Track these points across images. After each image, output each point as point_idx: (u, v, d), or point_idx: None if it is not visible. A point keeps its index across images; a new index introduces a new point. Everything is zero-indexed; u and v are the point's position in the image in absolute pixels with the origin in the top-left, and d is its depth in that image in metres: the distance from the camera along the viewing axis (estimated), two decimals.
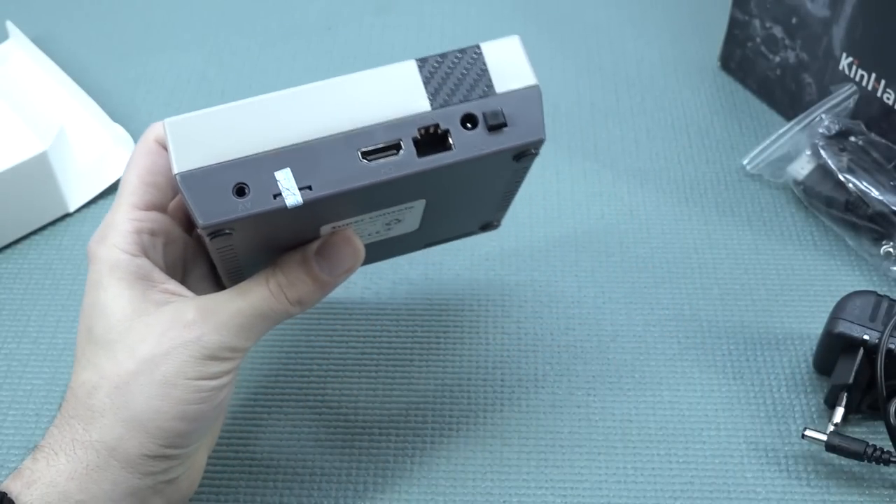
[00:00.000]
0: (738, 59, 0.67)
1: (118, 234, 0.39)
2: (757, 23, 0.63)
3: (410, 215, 0.41)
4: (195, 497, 0.45)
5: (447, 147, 0.35)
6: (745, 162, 0.61)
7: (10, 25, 0.67)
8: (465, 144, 0.35)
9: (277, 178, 0.33)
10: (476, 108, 0.35)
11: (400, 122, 0.35)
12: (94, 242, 0.39)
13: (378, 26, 0.73)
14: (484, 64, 0.36)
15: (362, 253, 0.39)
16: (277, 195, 0.33)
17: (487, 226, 0.48)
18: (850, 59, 0.58)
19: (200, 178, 0.33)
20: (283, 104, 0.34)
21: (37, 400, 0.49)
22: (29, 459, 0.37)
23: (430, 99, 0.35)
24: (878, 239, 0.55)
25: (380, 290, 0.54)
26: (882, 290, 0.54)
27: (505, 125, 0.35)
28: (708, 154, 0.63)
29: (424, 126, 0.35)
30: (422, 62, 0.35)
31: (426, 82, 0.35)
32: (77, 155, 0.60)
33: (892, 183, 0.55)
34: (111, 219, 0.39)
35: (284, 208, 0.33)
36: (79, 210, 0.59)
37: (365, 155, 0.34)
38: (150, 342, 0.37)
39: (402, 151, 0.34)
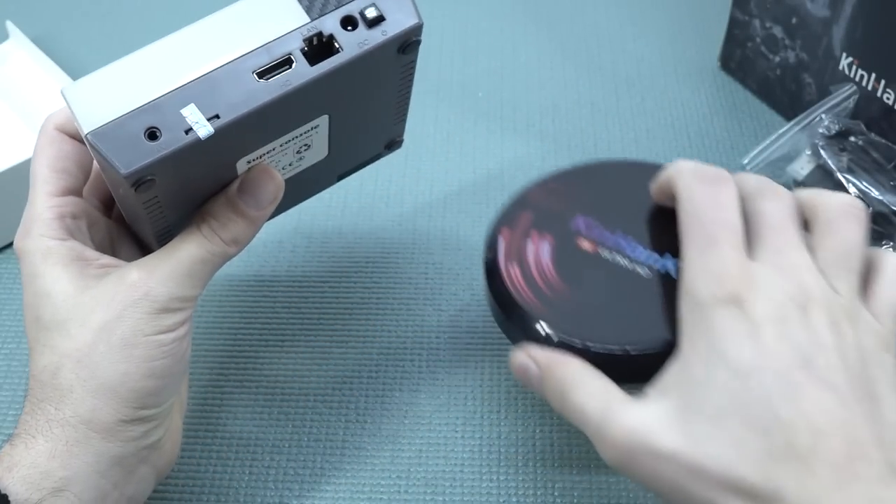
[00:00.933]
0: (738, 59, 0.67)
1: (41, 224, 0.39)
2: (757, 23, 0.63)
3: (318, 138, 0.43)
4: None
5: (336, 51, 0.37)
6: (744, 162, 0.61)
7: (10, 25, 0.67)
8: (351, 43, 0.37)
9: (184, 115, 0.35)
10: (351, 9, 0.37)
11: (284, 38, 0.37)
12: (18, 239, 0.40)
13: None
14: None
15: (281, 181, 0.41)
16: (189, 130, 0.35)
17: (392, 144, 0.50)
18: (850, 59, 0.58)
19: (111, 131, 0.35)
20: (171, 46, 0.36)
21: None
22: (6, 446, 0.37)
23: (306, 11, 0.37)
24: (878, 239, 0.55)
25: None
26: None
27: (382, 18, 0.37)
28: (708, 154, 0.63)
29: (308, 36, 0.37)
30: None
31: None
32: None
33: (892, 183, 0.55)
34: (30, 212, 0.40)
35: (198, 140, 0.35)
36: None
37: (261, 75, 0.36)
38: (100, 310, 0.37)
39: (294, 64, 0.36)
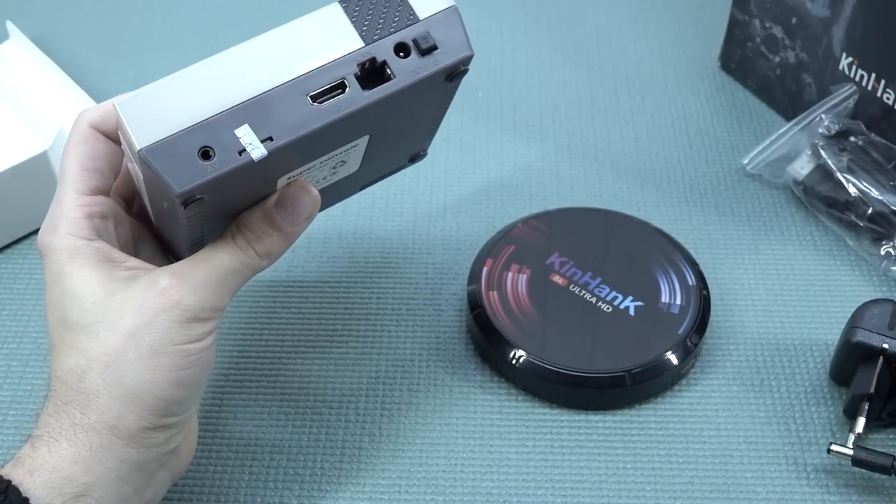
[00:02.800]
0: (738, 59, 0.67)
1: (69, 222, 0.39)
2: (757, 23, 0.63)
3: (354, 155, 0.43)
4: None
5: (388, 77, 0.37)
6: (744, 162, 0.61)
7: (10, 25, 0.67)
8: (404, 71, 0.37)
9: (238, 136, 0.35)
10: (405, 36, 0.37)
11: (338, 62, 0.36)
12: (44, 235, 0.39)
13: None
14: None
15: (318, 198, 0.41)
16: (242, 151, 0.35)
17: (416, 157, 0.50)
18: (850, 59, 0.58)
19: (165, 149, 0.34)
20: (226, 65, 0.36)
21: (37, 400, 0.49)
22: (27, 447, 0.37)
23: (361, 36, 0.37)
24: (878, 239, 0.55)
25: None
26: (882, 291, 0.54)
27: (435, 47, 0.37)
28: (708, 154, 0.63)
29: (362, 62, 0.37)
30: (345, 3, 0.37)
31: (353, 21, 0.37)
32: None
33: (892, 183, 0.55)
34: (58, 209, 0.39)
35: (251, 162, 0.35)
36: None
37: (314, 98, 0.36)
38: (130, 315, 0.37)
39: (348, 89, 0.36)
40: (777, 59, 0.63)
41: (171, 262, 0.41)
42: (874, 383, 0.46)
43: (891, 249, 0.55)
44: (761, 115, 0.65)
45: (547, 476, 0.46)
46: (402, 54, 0.37)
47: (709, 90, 0.67)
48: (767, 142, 0.60)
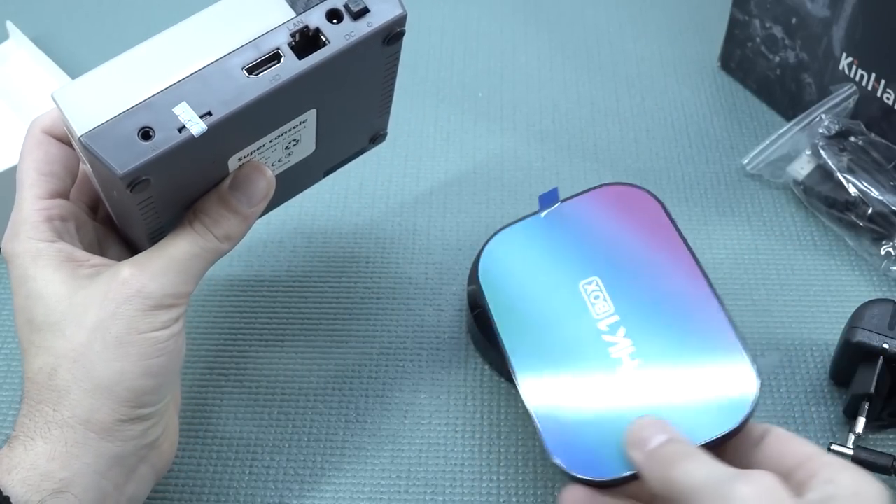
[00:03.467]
0: (738, 59, 0.67)
1: (30, 226, 0.39)
2: (757, 23, 0.63)
3: (306, 133, 0.43)
4: None
5: (322, 44, 0.37)
6: (744, 162, 0.61)
7: (10, 25, 0.67)
8: (337, 36, 0.37)
9: (177, 113, 0.35)
10: (336, 2, 0.38)
11: (270, 33, 0.37)
12: (7, 242, 0.40)
13: None
14: None
15: (272, 177, 0.41)
16: (182, 128, 0.35)
17: (376, 137, 0.50)
18: (850, 59, 0.58)
19: (104, 132, 0.35)
20: (160, 46, 0.37)
21: None
22: (5, 448, 0.37)
23: (291, 6, 0.38)
24: (878, 239, 0.55)
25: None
26: (882, 291, 0.54)
27: (367, 10, 0.38)
28: (708, 154, 0.63)
29: (295, 31, 0.37)
30: None
31: None
32: None
33: (892, 183, 0.55)
34: (18, 215, 0.40)
35: (192, 138, 0.35)
36: None
37: (250, 71, 0.36)
38: (94, 309, 0.37)
39: (283, 58, 0.37)
40: (777, 59, 0.63)
41: None
42: (874, 383, 0.46)
43: (891, 249, 0.55)
44: (761, 115, 0.65)
45: (548, 475, 0.46)
46: (334, 21, 0.38)
47: (709, 90, 0.67)
48: (767, 142, 0.60)
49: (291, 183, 0.47)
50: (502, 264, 0.47)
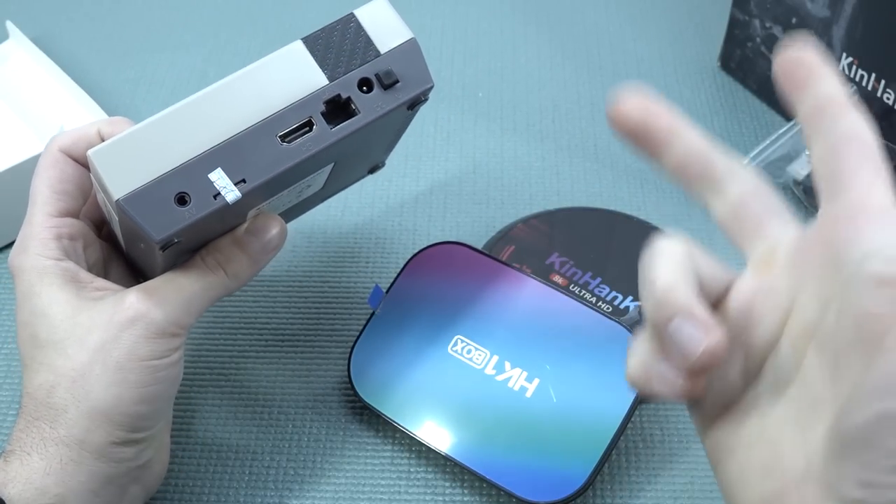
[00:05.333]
0: (738, 59, 0.67)
1: (39, 243, 0.40)
2: (757, 23, 0.63)
3: (319, 179, 0.44)
4: None
5: (353, 112, 0.38)
6: (744, 162, 0.61)
7: (10, 25, 0.67)
8: (368, 106, 0.38)
9: (212, 179, 0.36)
10: (368, 71, 0.38)
11: (305, 100, 0.37)
12: (14, 256, 0.40)
13: None
14: (363, 29, 0.39)
15: (285, 227, 0.42)
16: (217, 195, 0.36)
17: (374, 168, 0.51)
18: (850, 59, 0.58)
19: (141, 197, 0.35)
20: (196, 109, 0.37)
21: None
22: (1, 462, 0.37)
23: (325, 73, 0.38)
24: None
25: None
26: None
27: (397, 81, 0.38)
28: None
29: (328, 99, 0.38)
30: (307, 40, 0.38)
31: (317, 58, 0.38)
32: None
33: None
34: (28, 231, 0.40)
35: (226, 205, 0.36)
36: None
37: (283, 138, 0.37)
38: (98, 331, 0.38)
39: (315, 127, 0.37)
40: None
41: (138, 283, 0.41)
42: None
43: None
44: (761, 115, 0.65)
45: None
46: (365, 89, 0.38)
47: (709, 90, 0.67)
48: (767, 142, 0.60)
49: (293, 211, 0.48)
50: (372, 373, 0.47)
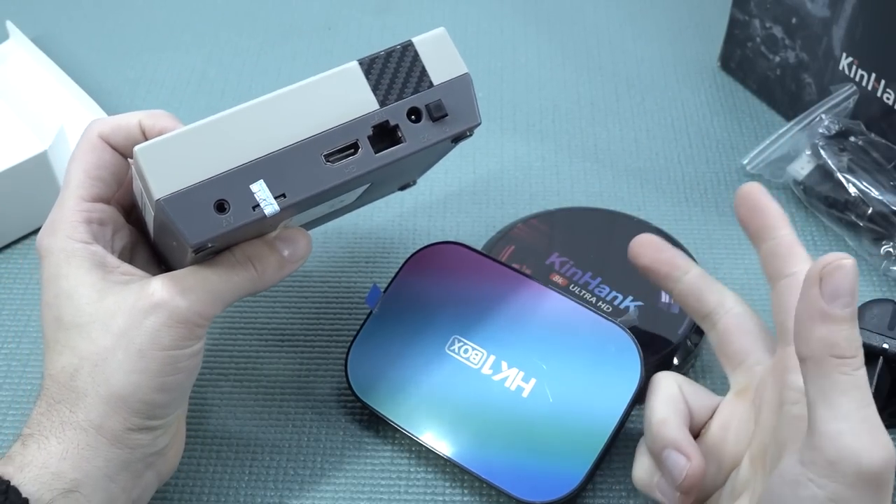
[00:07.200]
0: (738, 59, 0.67)
1: (69, 226, 0.40)
2: (757, 23, 0.63)
3: (351, 195, 0.44)
4: None
5: (399, 140, 0.38)
6: (744, 162, 0.61)
7: (10, 25, 0.67)
8: (414, 136, 0.38)
9: (253, 191, 0.36)
10: (419, 101, 0.38)
11: (354, 122, 0.38)
12: (44, 237, 0.40)
13: (378, 26, 0.73)
14: (419, 59, 0.39)
15: (311, 244, 0.42)
16: (256, 206, 0.36)
17: (405, 186, 0.51)
18: (850, 59, 0.58)
19: (182, 200, 0.35)
20: (245, 119, 0.37)
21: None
22: (18, 445, 0.38)
23: (377, 97, 0.38)
24: (878, 239, 0.55)
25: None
26: (882, 291, 0.54)
27: (446, 115, 0.39)
28: (708, 154, 0.63)
29: (376, 124, 0.38)
30: (364, 63, 0.38)
31: (371, 82, 0.38)
32: None
33: (892, 183, 0.55)
34: (59, 213, 0.40)
35: (264, 217, 0.36)
36: None
37: (328, 158, 0.37)
38: (122, 316, 0.38)
39: (360, 150, 0.38)
40: (777, 59, 0.63)
41: (164, 271, 0.41)
42: (874, 383, 0.46)
43: (891, 249, 0.55)
44: (761, 115, 0.65)
45: None
46: (414, 118, 0.38)
47: (709, 90, 0.67)
48: (767, 142, 0.60)
49: (323, 219, 0.49)
50: (370, 373, 0.47)
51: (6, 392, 0.50)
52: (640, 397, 0.43)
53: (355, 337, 0.48)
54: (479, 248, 0.53)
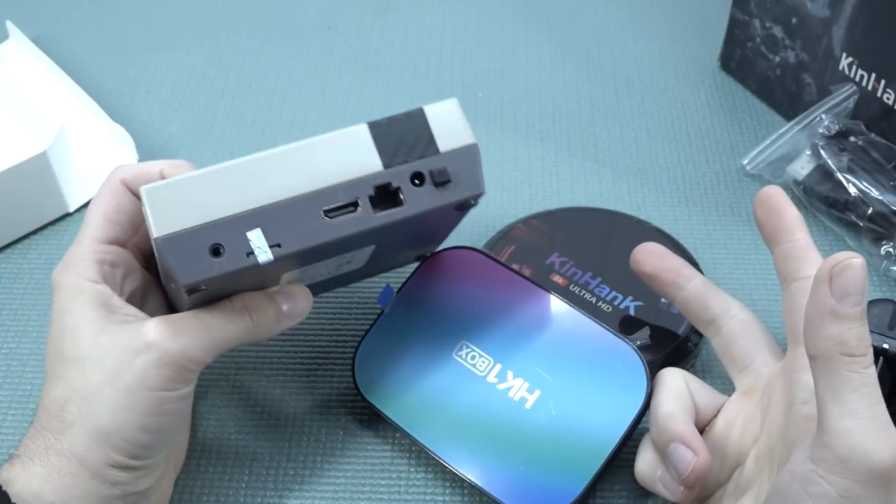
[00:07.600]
0: (738, 59, 0.67)
1: (81, 264, 0.41)
2: (757, 23, 0.63)
3: (360, 257, 0.44)
4: None
5: (399, 202, 0.39)
6: (744, 162, 0.61)
7: (10, 25, 0.67)
8: (415, 200, 0.39)
9: (249, 238, 0.37)
10: (423, 166, 0.39)
11: (357, 181, 0.38)
12: (58, 273, 0.41)
13: (378, 26, 0.73)
14: (427, 125, 0.40)
15: (311, 304, 0.43)
16: (250, 253, 0.37)
17: (421, 256, 0.50)
18: (850, 59, 0.58)
19: (178, 240, 0.36)
20: (251, 169, 0.37)
21: (37, 400, 0.49)
22: (6, 465, 0.38)
23: (381, 159, 0.39)
24: (878, 239, 0.55)
25: None
26: (882, 291, 0.54)
27: (449, 181, 0.39)
28: (708, 154, 0.63)
29: (378, 184, 0.39)
30: (372, 125, 0.39)
31: (378, 143, 0.39)
32: (77, 155, 0.60)
33: (892, 183, 0.55)
34: (75, 251, 0.41)
35: (257, 265, 0.37)
36: (79, 210, 0.59)
37: (327, 213, 0.38)
38: (114, 354, 0.38)
39: (359, 208, 0.38)
40: (777, 59, 0.63)
41: None
42: None
43: (891, 249, 0.55)
44: (761, 115, 0.65)
45: None
46: (416, 182, 0.39)
47: (709, 90, 0.67)
48: (767, 142, 0.60)
49: (333, 283, 0.49)
50: (377, 373, 0.47)
51: (6, 392, 0.50)
52: (643, 417, 0.43)
53: (365, 335, 0.48)
54: (478, 248, 0.53)
